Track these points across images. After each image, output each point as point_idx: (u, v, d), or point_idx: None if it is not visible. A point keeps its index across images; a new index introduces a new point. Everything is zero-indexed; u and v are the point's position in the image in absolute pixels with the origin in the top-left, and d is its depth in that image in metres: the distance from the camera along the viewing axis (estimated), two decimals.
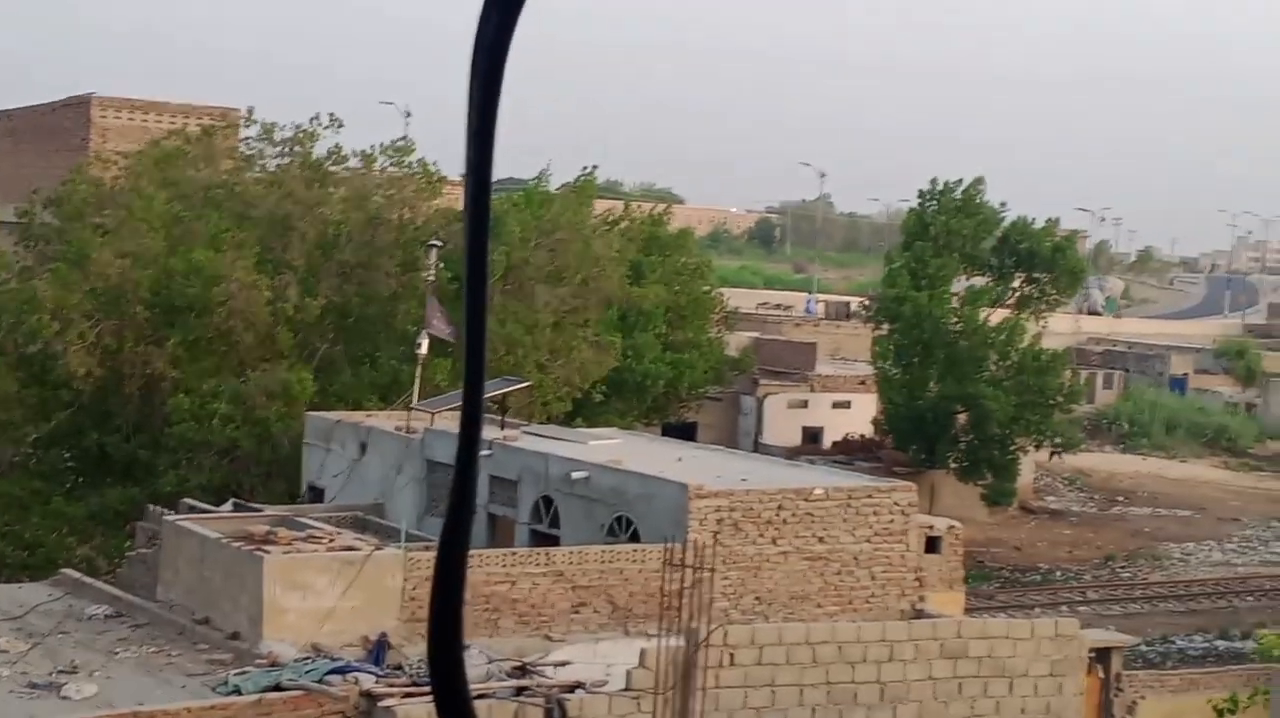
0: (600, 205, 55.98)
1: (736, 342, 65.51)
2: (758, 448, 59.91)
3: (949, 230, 60.88)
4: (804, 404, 66.81)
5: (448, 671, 1.93)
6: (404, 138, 48.55)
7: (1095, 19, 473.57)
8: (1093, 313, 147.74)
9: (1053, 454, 62.74)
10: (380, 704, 20.29)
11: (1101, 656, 29.42)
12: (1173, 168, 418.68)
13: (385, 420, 35.71)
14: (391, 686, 20.78)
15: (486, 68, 1.73)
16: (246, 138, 49.51)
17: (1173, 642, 47.89)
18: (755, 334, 75.19)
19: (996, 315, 61.38)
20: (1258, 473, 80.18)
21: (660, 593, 19.33)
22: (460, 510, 1.94)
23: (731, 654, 18.44)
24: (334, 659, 22.15)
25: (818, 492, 28.11)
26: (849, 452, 62.75)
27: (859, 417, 65.48)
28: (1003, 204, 63.56)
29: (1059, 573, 56.80)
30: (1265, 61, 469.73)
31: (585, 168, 54.59)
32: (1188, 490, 72.50)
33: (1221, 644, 47.72)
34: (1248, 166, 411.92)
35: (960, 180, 62.38)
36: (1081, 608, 49.01)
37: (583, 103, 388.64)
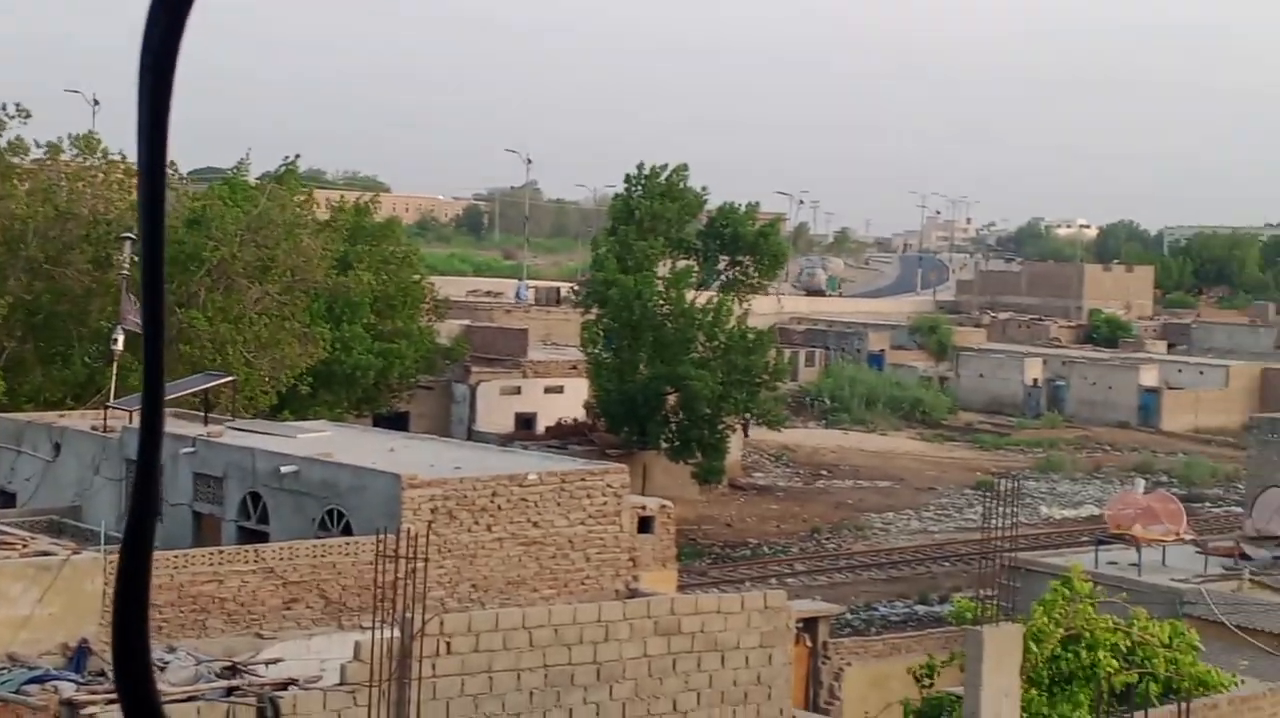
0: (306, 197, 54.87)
1: (447, 330, 65.22)
2: (471, 435, 59.78)
3: (654, 215, 61.81)
4: (517, 391, 66.97)
5: (135, 674, 1.89)
6: (92, 131, 46.76)
7: (784, 3, 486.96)
8: (817, 292, 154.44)
9: (745, 428, 64.05)
10: (82, 713, 19.53)
11: (809, 625, 30.35)
12: (865, 151, 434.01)
13: (80, 420, 34.45)
14: (94, 693, 20.03)
15: (155, 66, 1.69)
16: None
17: (876, 609, 49.70)
18: (466, 322, 74.98)
19: (704, 298, 62.64)
20: (951, 443, 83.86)
21: (374, 585, 19.11)
22: (143, 509, 1.91)
23: (448, 643, 18.34)
24: (31, 668, 21.23)
25: (531, 477, 28.23)
26: (562, 436, 63.20)
27: (572, 401, 66.01)
28: (705, 189, 64.93)
29: (767, 547, 58.33)
30: (948, 46, 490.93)
31: (287, 157, 53.58)
32: (887, 462, 75.33)
33: (921, 609, 49.75)
34: (936, 148, 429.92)
35: (665, 165, 63.43)
36: (790, 580, 50.44)
37: (283, 90, 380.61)
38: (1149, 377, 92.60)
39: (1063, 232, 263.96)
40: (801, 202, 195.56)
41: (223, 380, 36.41)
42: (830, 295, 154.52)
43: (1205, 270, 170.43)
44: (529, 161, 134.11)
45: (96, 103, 68.04)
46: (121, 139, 47.36)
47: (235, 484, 29.55)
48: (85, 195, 44.76)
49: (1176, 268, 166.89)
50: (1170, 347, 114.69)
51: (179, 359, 40.57)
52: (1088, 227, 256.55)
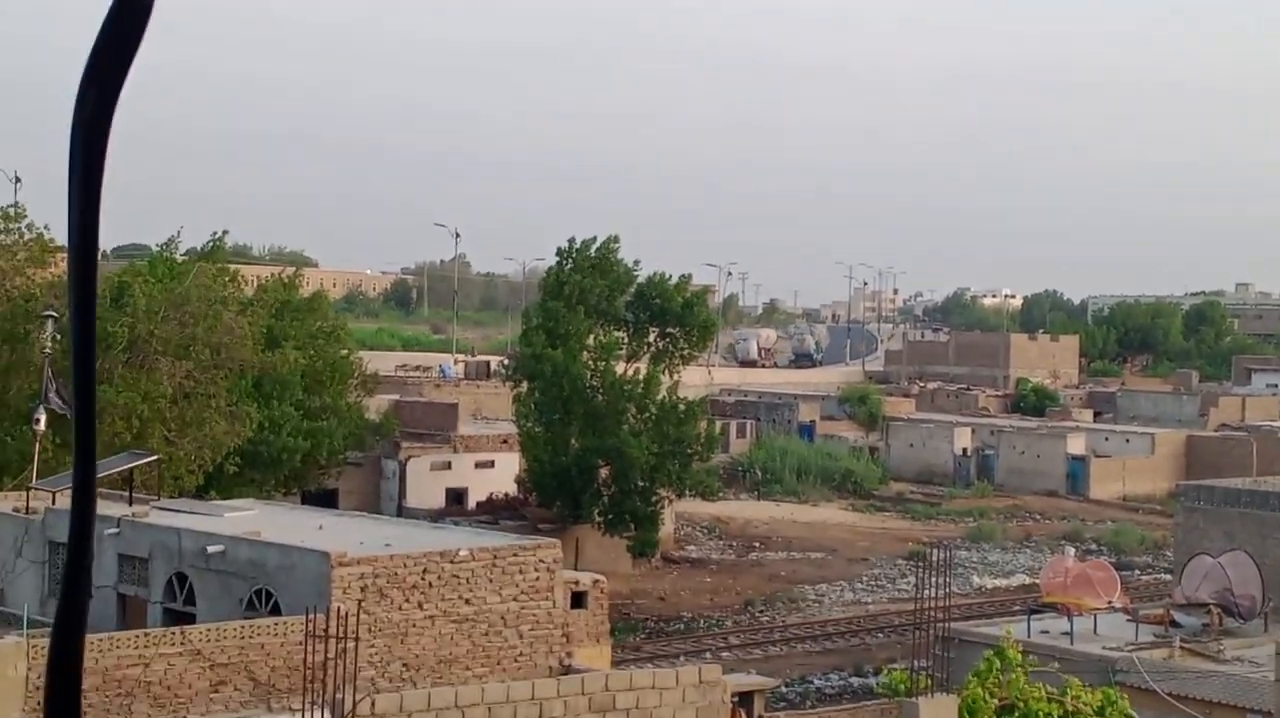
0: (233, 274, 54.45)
1: (376, 405, 64.79)
2: (402, 512, 59.28)
3: (583, 289, 61.87)
4: (447, 465, 66.56)
5: None
6: (15, 204, 46.15)
7: (717, 60, 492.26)
8: (805, 356, 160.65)
9: (679, 493, 63.59)
10: None
11: (744, 699, 30.14)
12: (793, 223, 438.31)
13: (2, 502, 33.80)
14: None
15: (87, 141, 1.66)
16: None
17: (810, 681, 49.51)
18: (395, 397, 74.57)
19: (634, 370, 62.63)
20: (883, 514, 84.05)
21: (304, 666, 18.81)
22: (74, 592, 1.85)
23: None
24: None
25: (463, 553, 27.97)
26: (494, 511, 62.78)
27: (503, 475, 65.66)
28: (636, 262, 65.15)
29: (701, 621, 58.07)
30: (873, 118, 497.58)
31: (215, 233, 53.26)
32: (819, 533, 75.35)
33: (855, 681, 49.61)
34: (863, 219, 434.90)
35: (595, 239, 63.56)
36: (724, 654, 50.18)
37: (208, 164, 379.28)
38: (1076, 445, 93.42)
39: (988, 301, 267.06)
40: (730, 273, 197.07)
41: (147, 460, 35.89)
42: (817, 359, 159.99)
43: (1129, 339, 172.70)
44: (457, 235, 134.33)
45: (18, 179, 67.29)
46: (44, 216, 46.77)
47: (161, 565, 29.07)
48: (4, 271, 44.19)
49: (1101, 336, 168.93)
50: (1096, 415, 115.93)
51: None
52: (1013, 296, 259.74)
